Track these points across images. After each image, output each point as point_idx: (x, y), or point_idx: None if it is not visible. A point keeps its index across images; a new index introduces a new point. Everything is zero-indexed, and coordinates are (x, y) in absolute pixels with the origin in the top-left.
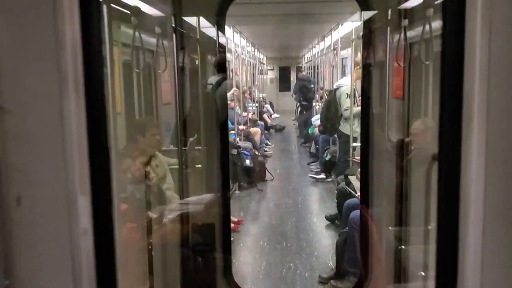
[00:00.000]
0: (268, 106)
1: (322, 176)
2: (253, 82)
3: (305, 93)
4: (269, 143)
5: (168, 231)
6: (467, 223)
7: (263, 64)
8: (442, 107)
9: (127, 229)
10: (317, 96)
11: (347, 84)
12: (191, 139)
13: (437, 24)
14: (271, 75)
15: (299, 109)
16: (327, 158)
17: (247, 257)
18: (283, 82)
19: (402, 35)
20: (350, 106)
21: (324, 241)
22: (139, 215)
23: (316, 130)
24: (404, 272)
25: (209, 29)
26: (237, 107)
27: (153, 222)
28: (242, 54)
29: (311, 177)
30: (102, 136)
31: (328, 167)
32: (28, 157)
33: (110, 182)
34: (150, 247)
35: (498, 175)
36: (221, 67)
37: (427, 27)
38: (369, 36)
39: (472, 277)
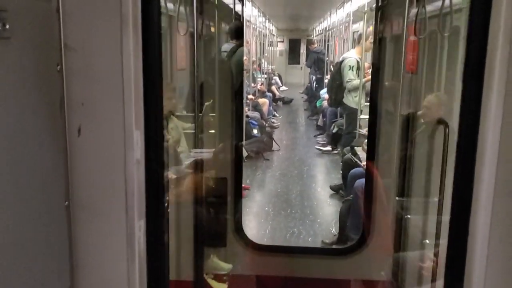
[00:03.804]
0: (276, 78)
1: (328, 148)
2: (263, 54)
3: (320, 66)
4: (276, 114)
5: (183, 187)
6: (478, 194)
7: (274, 35)
8: (465, 78)
9: None
10: (327, 69)
11: (352, 56)
12: (206, 103)
13: None
14: (281, 47)
15: (314, 83)
16: (334, 131)
17: (252, 221)
18: (293, 54)
19: (421, 8)
20: (352, 78)
21: (328, 210)
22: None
23: (325, 103)
24: (405, 238)
25: None
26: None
27: (170, 180)
28: (253, 24)
29: (317, 148)
30: (156, 76)
31: (335, 139)
32: (89, 92)
33: (161, 118)
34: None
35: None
36: (236, 34)
37: (446, 0)
38: (383, 8)
39: (480, 247)
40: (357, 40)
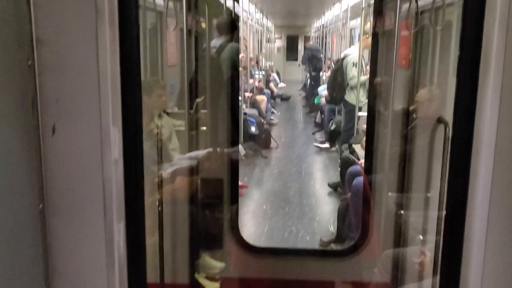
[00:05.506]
0: (274, 75)
1: (326, 145)
2: (260, 50)
3: (315, 63)
4: (275, 111)
5: (175, 185)
6: (475, 187)
7: (271, 32)
8: (460, 73)
9: None
10: (324, 66)
11: (354, 53)
12: (198, 99)
13: None
14: (279, 43)
15: (308, 80)
16: (332, 128)
17: (250, 220)
18: (291, 51)
19: (414, 2)
20: (356, 75)
21: (326, 207)
22: (148, 170)
23: (323, 100)
24: (403, 236)
25: None
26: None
27: (161, 177)
28: (249, 20)
29: (315, 146)
30: (134, 69)
31: (333, 137)
32: (63, 88)
33: (140, 114)
34: (158, 201)
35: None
36: (225, 29)
37: None
38: (379, 4)
39: (477, 240)
40: (363, 34)
